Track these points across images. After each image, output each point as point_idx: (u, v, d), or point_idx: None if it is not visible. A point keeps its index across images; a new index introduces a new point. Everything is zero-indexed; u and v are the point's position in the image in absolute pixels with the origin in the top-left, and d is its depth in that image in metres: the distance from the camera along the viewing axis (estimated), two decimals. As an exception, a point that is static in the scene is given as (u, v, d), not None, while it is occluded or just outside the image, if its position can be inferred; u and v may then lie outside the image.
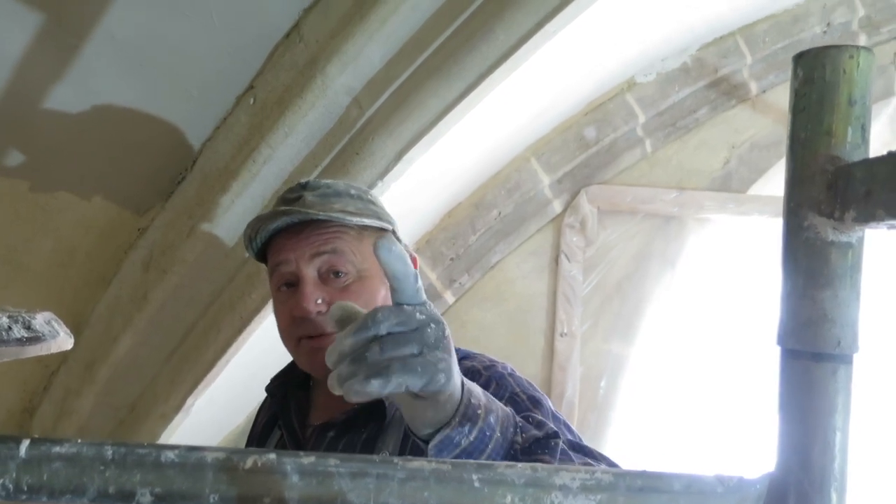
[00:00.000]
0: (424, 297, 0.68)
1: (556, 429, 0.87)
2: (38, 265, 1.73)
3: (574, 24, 1.42)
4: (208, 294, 1.70)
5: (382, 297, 1.08)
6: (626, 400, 2.49)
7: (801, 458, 0.50)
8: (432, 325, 0.66)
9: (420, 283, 0.67)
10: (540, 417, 0.92)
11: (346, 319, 0.69)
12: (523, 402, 0.99)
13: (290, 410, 1.19)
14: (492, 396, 0.80)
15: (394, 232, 1.15)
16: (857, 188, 0.47)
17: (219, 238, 1.63)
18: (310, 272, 1.05)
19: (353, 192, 1.13)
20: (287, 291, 1.09)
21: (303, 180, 1.16)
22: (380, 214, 1.13)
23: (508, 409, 0.82)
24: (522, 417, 0.86)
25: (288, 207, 1.08)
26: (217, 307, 1.69)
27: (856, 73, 0.50)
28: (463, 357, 1.11)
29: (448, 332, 0.69)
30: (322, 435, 1.11)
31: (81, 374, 1.81)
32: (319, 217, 1.05)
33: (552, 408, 1.02)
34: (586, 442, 0.95)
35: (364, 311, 0.68)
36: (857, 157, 0.50)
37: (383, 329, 0.64)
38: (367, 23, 1.41)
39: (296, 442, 1.14)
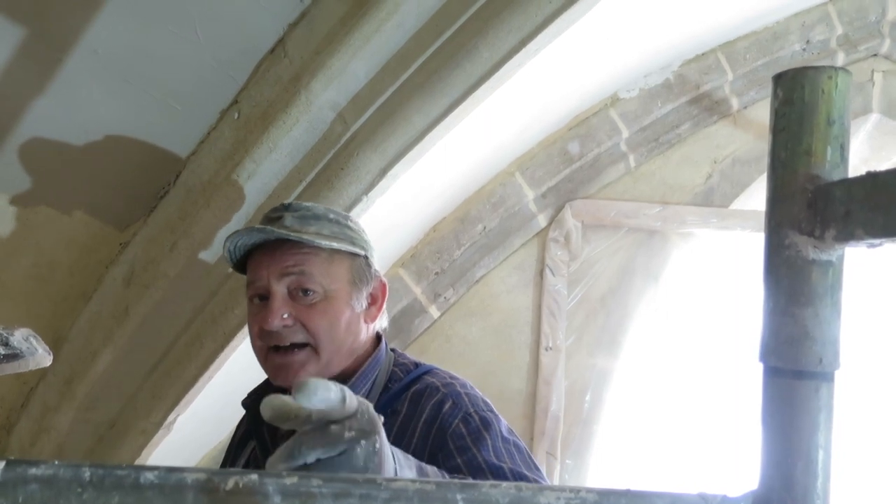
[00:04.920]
0: (355, 404, 0.67)
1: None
2: (18, 280, 1.70)
3: (557, 42, 1.43)
4: (190, 309, 1.68)
5: (346, 318, 1.13)
6: (611, 413, 2.49)
7: (784, 477, 0.50)
8: (362, 443, 0.66)
9: (346, 394, 0.65)
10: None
11: (280, 418, 0.65)
12: (475, 422, 1.05)
13: (262, 424, 1.20)
14: (432, 468, 0.84)
15: (366, 258, 1.19)
16: (836, 207, 0.47)
17: (201, 253, 1.61)
18: (279, 289, 1.11)
19: (331, 216, 1.18)
20: (259, 304, 1.15)
21: (286, 201, 1.21)
22: (354, 240, 1.17)
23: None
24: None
25: (264, 226, 1.13)
26: (199, 322, 1.67)
27: (834, 94, 0.50)
28: (425, 372, 1.17)
29: (380, 442, 0.68)
30: None
31: (60, 389, 1.78)
32: (291, 238, 1.10)
33: (503, 429, 1.07)
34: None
35: (296, 389, 0.62)
36: (836, 176, 0.50)
37: (310, 458, 0.65)
38: (352, 39, 1.41)
39: (266, 455, 1.14)
